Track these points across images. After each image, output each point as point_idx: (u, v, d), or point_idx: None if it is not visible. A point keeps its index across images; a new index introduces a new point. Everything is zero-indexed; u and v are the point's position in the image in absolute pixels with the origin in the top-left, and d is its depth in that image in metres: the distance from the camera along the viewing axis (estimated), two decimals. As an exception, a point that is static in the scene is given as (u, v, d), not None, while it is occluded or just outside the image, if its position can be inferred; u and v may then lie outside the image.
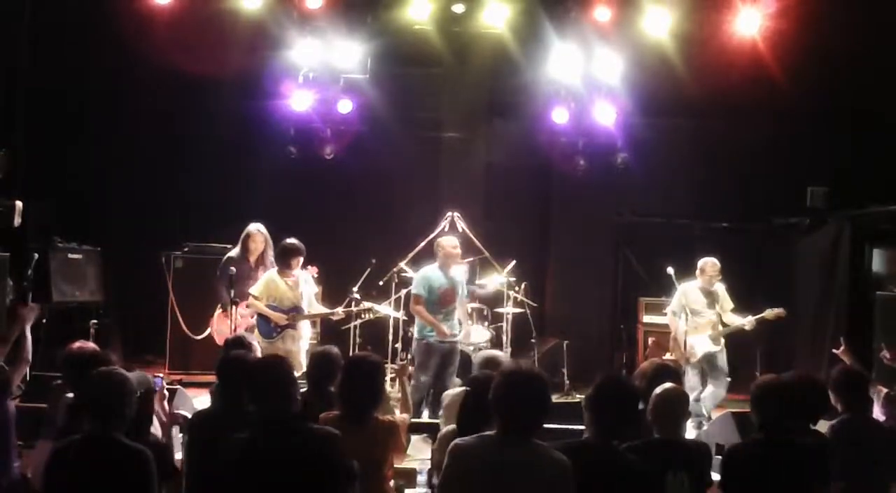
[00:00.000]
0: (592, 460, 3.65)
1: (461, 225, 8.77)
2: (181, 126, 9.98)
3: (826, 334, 9.05)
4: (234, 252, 7.78)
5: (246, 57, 9.58)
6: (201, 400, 6.63)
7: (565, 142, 10.16)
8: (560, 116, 9.83)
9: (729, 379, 7.81)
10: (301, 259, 7.32)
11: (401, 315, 8.68)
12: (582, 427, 3.92)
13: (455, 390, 5.45)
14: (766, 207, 10.15)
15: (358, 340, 9.02)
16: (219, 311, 7.66)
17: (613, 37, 9.46)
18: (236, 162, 9.99)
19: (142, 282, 9.67)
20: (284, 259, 7.28)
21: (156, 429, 4.58)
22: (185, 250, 9.31)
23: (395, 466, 4.57)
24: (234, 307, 7.28)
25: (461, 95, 10.46)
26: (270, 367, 3.86)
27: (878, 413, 5.20)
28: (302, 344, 7.45)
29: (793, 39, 9.09)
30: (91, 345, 5.23)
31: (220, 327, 7.56)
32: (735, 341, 8.02)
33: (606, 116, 9.73)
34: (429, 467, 5.23)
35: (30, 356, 5.23)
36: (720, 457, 5.13)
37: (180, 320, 8.95)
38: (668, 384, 4.30)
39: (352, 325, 8.87)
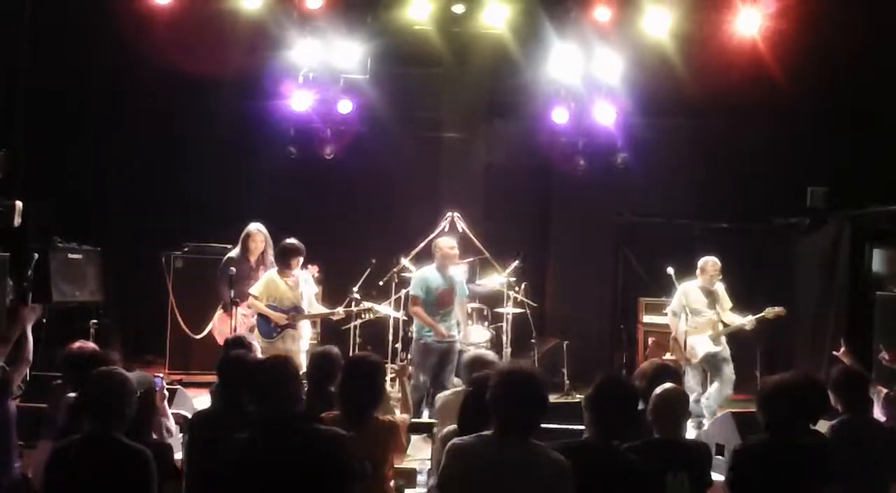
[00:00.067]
0: (592, 460, 3.65)
1: (461, 225, 8.77)
2: (181, 126, 9.98)
3: (826, 334, 9.06)
4: (235, 252, 7.78)
5: (246, 57, 9.58)
6: (201, 400, 6.63)
7: (565, 142, 10.16)
8: (560, 116, 9.83)
9: (734, 377, 7.81)
10: (301, 259, 7.32)
11: (401, 315, 8.69)
12: (582, 427, 3.92)
13: (447, 391, 5.45)
14: (766, 207, 10.15)
15: (358, 340, 9.02)
16: (220, 311, 7.67)
17: (613, 37, 9.46)
18: (236, 162, 9.99)
19: (142, 282, 9.67)
20: (284, 259, 7.29)
21: (164, 429, 4.60)
22: (185, 250, 9.32)
23: (395, 466, 4.58)
24: (234, 307, 7.29)
25: (461, 95, 10.46)
26: (275, 366, 3.84)
27: (878, 414, 5.20)
28: (302, 344, 7.46)
29: (793, 39, 9.10)
30: (91, 345, 5.24)
31: (222, 328, 7.57)
32: (735, 340, 8.02)
33: (606, 116, 9.74)
34: (429, 467, 5.23)
35: (30, 357, 5.23)
36: (720, 457, 5.14)
37: (180, 320, 8.94)
38: (668, 384, 4.30)
39: (352, 325, 8.88)
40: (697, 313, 7.91)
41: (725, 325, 7.90)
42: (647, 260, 9.76)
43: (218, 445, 3.91)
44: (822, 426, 4.63)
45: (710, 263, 7.96)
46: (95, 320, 8.84)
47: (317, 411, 4.36)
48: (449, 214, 8.80)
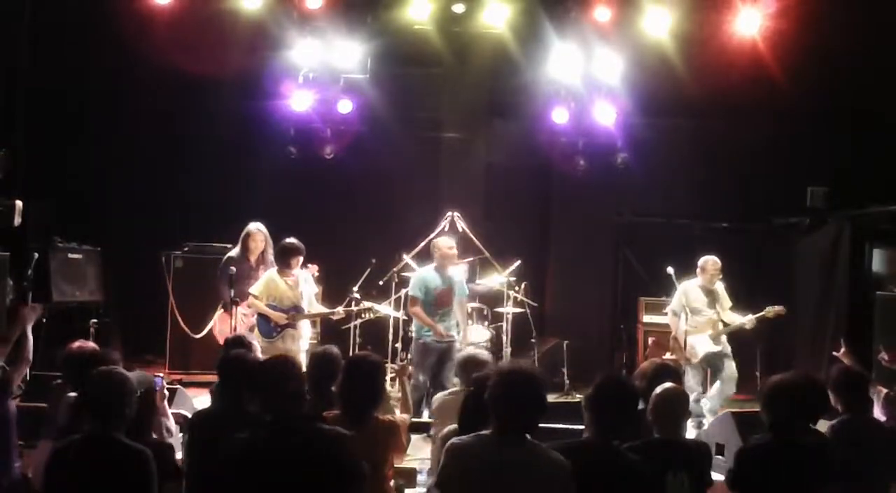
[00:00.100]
0: (592, 460, 3.65)
1: (461, 225, 8.77)
2: (181, 126, 9.98)
3: (826, 334, 9.05)
4: (235, 252, 7.79)
5: (246, 57, 9.58)
6: (201, 400, 6.63)
7: (565, 142, 10.16)
8: (560, 116, 9.83)
9: (736, 375, 7.81)
10: (300, 259, 7.33)
11: (401, 315, 8.69)
12: (582, 427, 3.92)
13: (444, 392, 5.44)
14: (766, 207, 10.15)
15: (358, 340, 9.02)
16: (220, 311, 7.67)
17: (613, 37, 9.46)
18: (236, 162, 9.99)
19: (142, 282, 9.66)
20: (284, 259, 7.29)
21: (164, 429, 4.60)
22: (185, 249, 9.32)
23: (395, 466, 4.58)
24: (234, 307, 7.29)
25: (461, 95, 10.45)
26: (279, 366, 3.83)
27: (878, 414, 5.20)
28: (302, 344, 7.47)
29: (793, 39, 9.09)
30: (91, 345, 5.24)
31: (223, 328, 7.57)
32: (735, 340, 8.02)
33: (606, 116, 9.74)
34: (429, 466, 5.23)
35: (31, 356, 5.23)
36: (720, 457, 5.13)
37: (180, 320, 8.94)
38: (668, 384, 4.30)
39: (352, 325, 8.88)
40: (697, 312, 7.91)
41: (725, 324, 7.90)
42: (647, 260, 9.75)
43: (218, 445, 3.91)
44: (822, 425, 4.63)
45: (710, 262, 7.96)
46: (95, 320, 8.86)
47: (317, 411, 4.36)
48: (449, 214, 8.80)
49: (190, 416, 4.94)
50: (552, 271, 10.73)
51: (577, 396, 8.37)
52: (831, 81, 9.26)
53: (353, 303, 8.02)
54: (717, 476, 4.27)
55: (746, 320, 7.81)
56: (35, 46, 8.87)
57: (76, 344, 5.07)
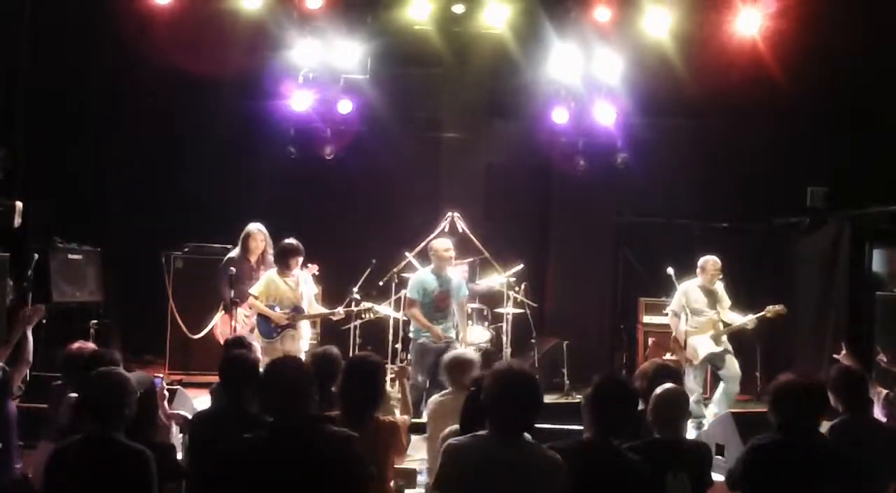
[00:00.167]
0: (593, 460, 3.66)
1: (461, 225, 8.77)
2: (181, 126, 9.98)
3: (826, 334, 9.06)
4: (235, 253, 7.79)
5: (246, 57, 9.57)
6: (201, 400, 6.63)
7: (565, 142, 10.16)
8: (560, 116, 9.83)
9: (739, 373, 7.81)
10: (300, 259, 7.33)
11: (401, 316, 8.68)
12: (582, 427, 3.92)
13: (437, 395, 5.43)
14: (766, 207, 10.14)
15: (358, 340, 9.02)
16: (222, 312, 7.66)
17: (613, 37, 9.46)
18: (236, 162, 9.99)
19: (142, 282, 9.67)
20: (283, 259, 7.29)
21: (165, 430, 4.60)
22: (185, 250, 9.32)
23: (395, 466, 4.58)
24: (234, 307, 7.30)
25: (461, 95, 10.45)
26: (288, 367, 3.82)
27: (878, 414, 5.20)
28: (302, 344, 7.47)
29: (793, 39, 9.09)
30: (91, 345, 5.25)
31: (224, 329, 7.57)
32: (735, 340, 8.03)
33: (606, 116, 9.74)
34: (427, 467, 5.23)
35: (31, 357, 5.23)
36: (720, 457, 5.12)
37: (179, 320, 8.94)
38: (668, 385, 4.31)
39: (352, 325, 8.88)
40: (698, 312, 7.91)
41: (726, 324, 7.89)
42: (647, 260, 9.76)
43: (218, 445, 3.91)
44: (822, 426, 4.63)
45: (710, 262, 7.96)
46: (95, 320, 8.86)
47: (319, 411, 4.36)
48: (449, 214, 8.80)
49: (190, 416, 4.94)
50: (552, 271, 10.73)
51: (577, 396, 8.37)
52: (831, 81, 9.26)
53: (353, 303, 8.02)
54: (717, 477, 4.27)
55: (747, 319, 7.81)
56: (35, 46, 8.87)
57: (76, 345, 5.08)
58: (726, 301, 7.99)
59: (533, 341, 9.03)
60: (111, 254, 9.65)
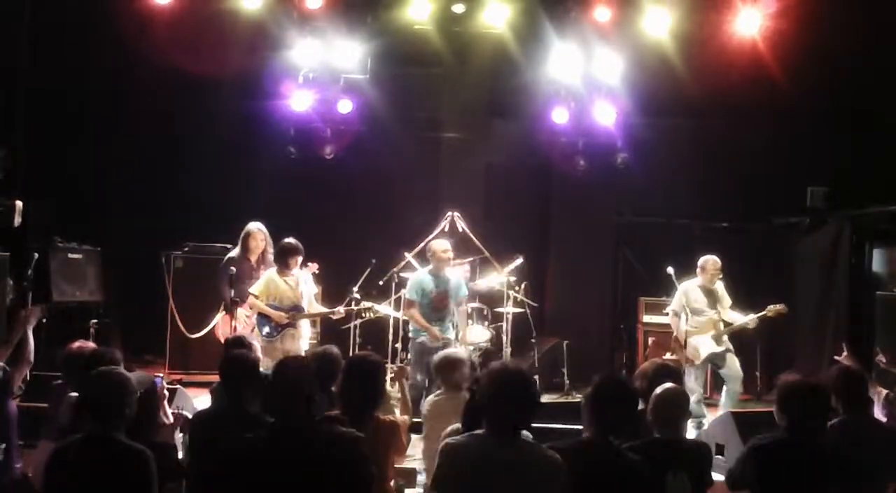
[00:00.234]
0: (593, 460, 3.66)
1: (461, 225, 8.77)
2: (181, 126, 9.98)
3: (826, 334, 9.06)
4: (235, 252, 7.80)
5: (246, 57, 9.57)
6: (201, 400, 6.63)
7: (565, 142, 10.16)
8: (560, 116, 9.83)
9: (741, 373, 7.80)
10: (300, 259, 7.34)
11: (401, 315, 8.68)
12: (582, 427, 3.92)
13: (432, 395, 5.43)
14: (766, 207, 10.14)
15: (358, 340, 9.02)
16: (223, 312, 7.67)
17: (613, 37, 9.45)
18: (236, 162, 9.99)
19: (142, 282, 9.67)
20: (283, 259, 7.30)
21: (165, 430, 4.60)
22: (185, 249, 9.32)
23: (395, 466, 4.58)
24: (234, 307, 7.30)
25: (461, 95, 10.45)
26: (289, 367, 3.82)
27: (878, 414, 5.19)
28: (302, 343, 7.47)
29: (793, 39, 9.09)
30: (91, 345, 5.25)
31: (226, 329, 7.57)
32: (736, 340, 8.02)
33: (606, 116, 9.73)
34: (425, 467, 5.23)
35: (32, 357, 5.24)
36: (720, 457, 5.12)
37: (178, 320, 8.94)
38: (668, 384, 4.31)
39: (352, 325, 8.88)
40: (698, 312, 7.90)
41: (727, 324, 7.89)
42: (647, 260, 9.75)
43: (218, 445, 3.91)
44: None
45: (710, 261, 7.95)
46: (95, 320, 8.87)
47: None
48: (449, 214, 8.80)
49: (190, 416, 4.94)
50: (552, 271, 10.73)
51: (577, 396, 8.37)
52: (831, 81, 9.25)
53: (353, 303, 8.02)
54: (717, 476, 4.27)
55: (748, 319, 7.80)
56: (35, 46, 8.86)
57: (76, 344, 5.08)
58: (727, 301, 7.99)
59: (533, 340, 9.03)
60: (111, 254, 9.65)
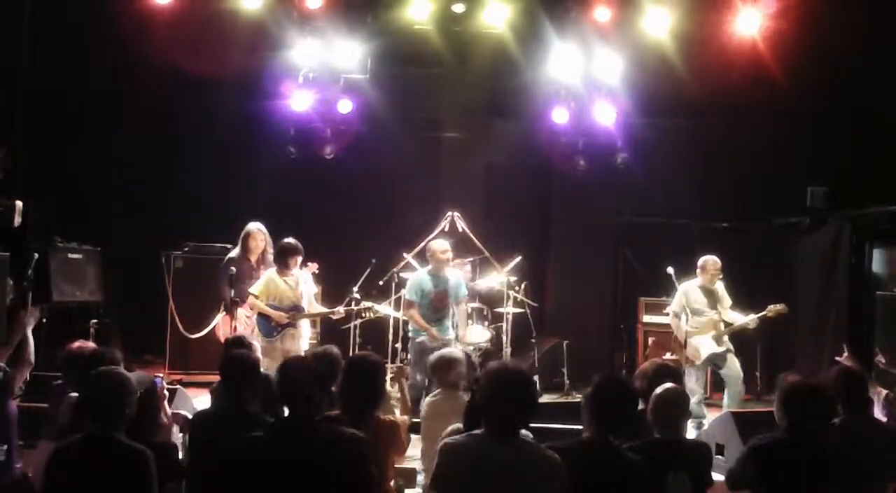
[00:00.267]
0: (593, 460, 3.66)
1: (461, 225, 8.77)
2: (181, 126, 9.98)
3: (826, 334, 9.05)
4: (235, 253, 7.80)
5: (246, 57, 9.57)
6: (201, 400, 6.63)
7: (565, 142, 10.16)
8: (560, 116, 9.83)
9: (741, 374, 7.80)
10: (299, 259, 7.34)
11: (401, 315, 8.68)
12: (582, 427, 3.92)
13: (429, 396, 5.43)
14: (766, 207, 10.14)
15: (358, 340, 9.02)
16: (223, 314, 7.67)
17: (613, 37, 9.45)
18: (236, 162, 9.99)
19: (142, 282, 9.67)
20: (282, 259, 7.30)
21: (165, 430, 4.60)
22: (185, 249, 9.32)
23: (395, 466, 4.58)
24: (234, 307, 7.30)
25: (461, 95, 10.45)
26: (290, 368, 3.82)
27: (878, 414, 5.19)
28: (301, 343, 7.47)
29: (793, 39, 9.09)
30: (91, 345, 5.25)
31: (226, 330, 7.57)
32: (736, 340, 8.03)
33: (606, 116, 9.73)
34: (424, 467, 5.23)
35: (32, 359, 5.24)
36: (720, 457, 5.12)
37: (177, 320, 8.94)
38: (668, 384, 4.31)
39: (352, 325, 8.88)
40: (699, 313, 7.90)
41: (727, 324, 7.89)
42: (647, 260, 9.75)
43: (218, 445, 3.91)
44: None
45: (710, 261, 7.95)
46: (95, 320, 8.86)
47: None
48: (449, 213, 8.80)
49: (190, 416, 4.94)
50: (552, 271, 10.73)
51: (577, 396, 8.37)
52: (831, 81, 9.25)
53: (353, 303, 8.02)
54: (717, 476, 4.27)
55: (749, 319, 7.80)
56: (35, 46, 8.86)
57: (76, 344, 5.08)
58: (727, 301, 7.99)
59: (533, 340, 9.03)
60: (111, 254, 9.64)
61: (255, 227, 7.74)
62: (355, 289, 8.49)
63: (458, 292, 7.81)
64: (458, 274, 8.07)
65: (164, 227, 9.78)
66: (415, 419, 5.27)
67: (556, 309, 10.43)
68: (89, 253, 9.32)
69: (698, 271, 7.98)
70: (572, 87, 9.78)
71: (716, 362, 7.86)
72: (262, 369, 4.73)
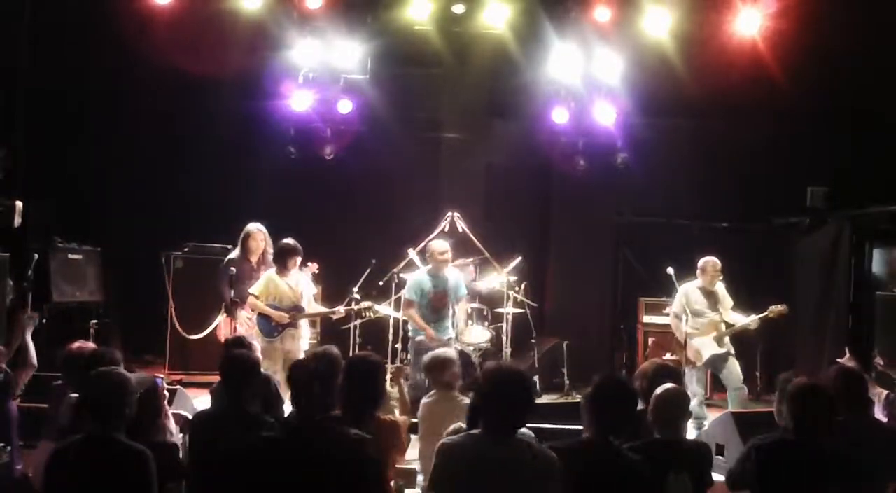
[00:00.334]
0: (593, 460, 3.66)
1: (461, 225, 8.77)
2: (181, 126, 9.98)
3: (826, 334, 9.05)
4: (235, 253, 7.80)
5: (246, 57, 9.57)
6: (201, 400, 6.63)
7: (565, 142, 10.15)
8: (560, 116, 9.83)
9: (741, 375, 7.79)
10: (298, 259, 7.35)
11: (401, 315, 8.68)
12: (582, 427, 3.93)
13: (425, 398, 5.42)
14: (766, 207, 10.14)
15: (358, 340, 9.02)
16: (224, 315, 7.67)
17: (613, 37, 9.45)
18: (236, 162, 9.99)
19: (142, 282, 9.67)
20: (282, 259, 7.31)
21: (166, 430, 4.60)
22: (185, 249, 9.32)
23: (396, 466, 4.57)
24: (234, 307, 7.30)
25: (461, 96, 10.44)
26: (309, 367, 3.81)
27: (878, 414, 5.19)
28: (301, 343, 7.47)
29: (793, 39, 9.09)
30: (91, 345, 5.25)
31: (227, 331, 7.58)
32: (736, 340, 8.01)
33: (606, 116, 9.73)
34: (421, 468, 5.23)
35: (35, 362, 5.24)
36: (720, 457, 5.12)
37: (176, 321, 8.95)
38: (668, 385, 4.31)
39: (352, 325, 8.87)
40: (699, 314, 7.89)
41: (728, 325, 7.88)
42: (647, 260, 9.75)
43: (218, 445, 3.91)
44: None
45: (710, 263, 7.95)
46: (95, 320, 8.86)
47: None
48: (449, 214, 8.79)
49: (190, 416, 4.94)
50: (552, 271, 10.72)
51: (577, 396, 8.37)
52: (831, 81, 9.25)
53: (353, 303, 8.02)
54: (717, 477, 4.27)
55: (750, 320, 7.79)
56: (35, 46, 8.86)
57: (76, 344, 5.08)
58: (728, 302, 7.98)
59: (533, 341, 9.03)
60: (111, 254, 9.65)
61: (255, 227, 7.74)
62: (355, 289, 8.49)
63: (457, 292, 7.81)
64: (457, 274, 8.07)
65: (164, 227, 9.79)
66: (414, 419, 5.27)
67: (556, 309, 10.43)
68: (89, 253, 9.33)
69: (698, 272, 7.98)
70: (572, 87, 9.78)
71: (716, 364, 7.84)
72: (262, 370, 4.73)
